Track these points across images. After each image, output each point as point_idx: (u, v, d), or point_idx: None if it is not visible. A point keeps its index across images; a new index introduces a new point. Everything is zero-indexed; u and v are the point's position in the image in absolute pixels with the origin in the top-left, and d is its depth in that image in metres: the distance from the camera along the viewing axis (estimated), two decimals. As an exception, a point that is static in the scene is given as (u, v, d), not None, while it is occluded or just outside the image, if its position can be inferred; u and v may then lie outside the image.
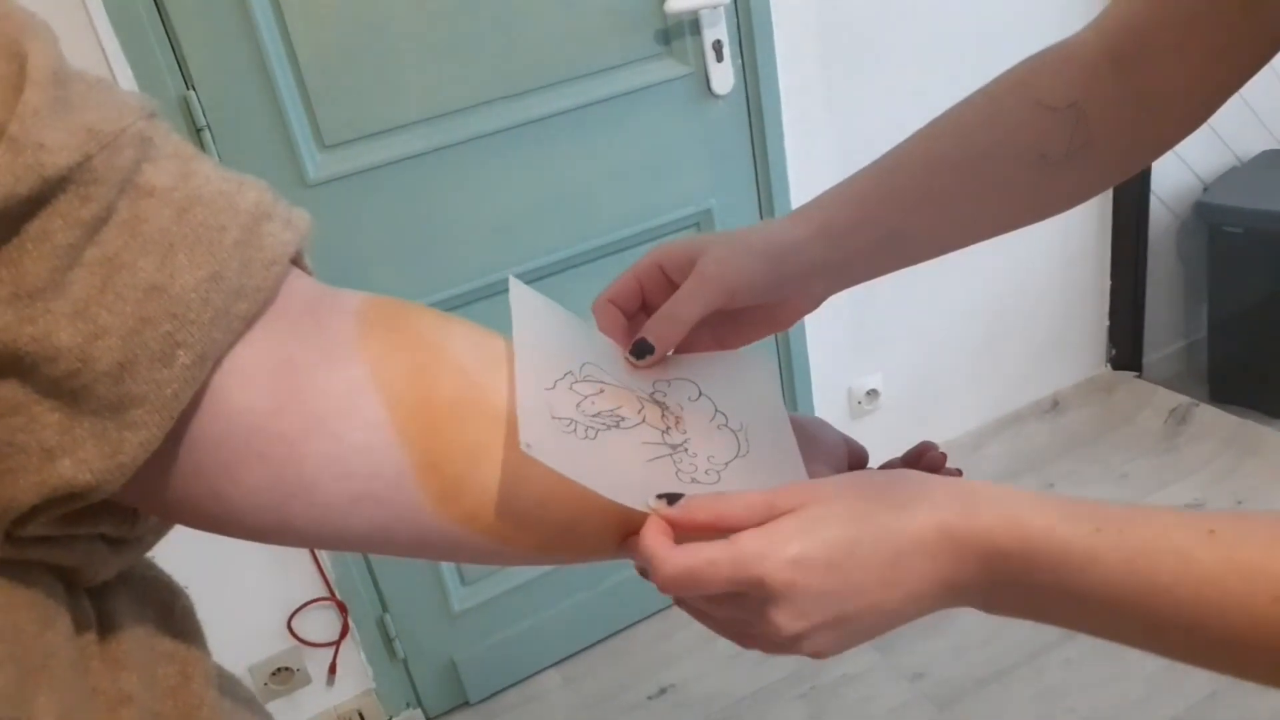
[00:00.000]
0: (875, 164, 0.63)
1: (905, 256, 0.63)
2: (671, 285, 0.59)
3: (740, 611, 0.46)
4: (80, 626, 0.39)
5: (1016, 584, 0.43)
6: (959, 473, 0.56)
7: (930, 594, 0.44)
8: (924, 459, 0.59)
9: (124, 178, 0.34)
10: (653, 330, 0.56)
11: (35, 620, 0.36)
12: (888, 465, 0.59)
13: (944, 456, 0.59)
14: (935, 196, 0.61)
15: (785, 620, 0.44)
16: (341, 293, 0.45)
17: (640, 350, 0.55)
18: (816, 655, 0.46)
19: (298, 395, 0.40)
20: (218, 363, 0.37)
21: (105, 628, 0.41)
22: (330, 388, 0.41)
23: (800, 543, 0.43)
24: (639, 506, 0.47)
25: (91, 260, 0.33)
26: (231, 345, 0.38)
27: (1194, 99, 0.60)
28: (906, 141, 0.64)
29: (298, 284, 0.41)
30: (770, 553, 0.43)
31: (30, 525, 0.35)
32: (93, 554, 0.39)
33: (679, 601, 0.49)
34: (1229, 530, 0.40)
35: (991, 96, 0.62)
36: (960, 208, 0.62)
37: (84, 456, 0.34)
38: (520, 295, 0.52)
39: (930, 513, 0.44)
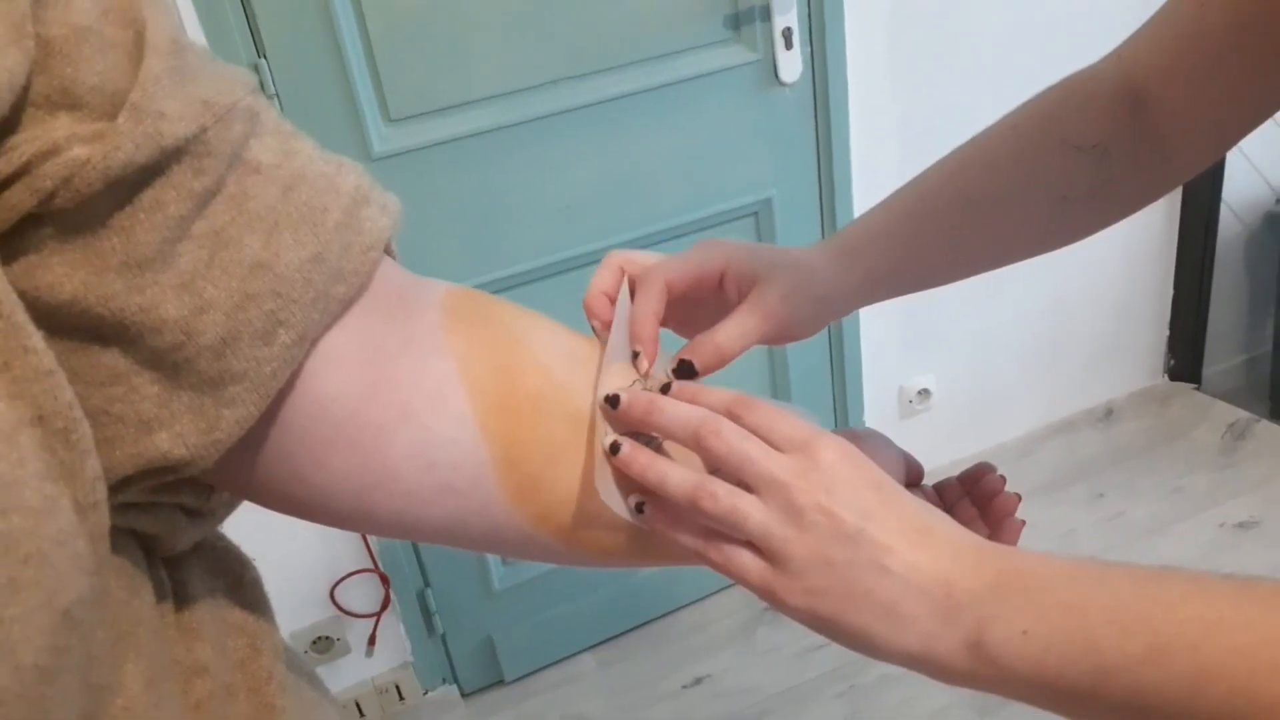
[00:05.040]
0: (911, 201, 0.63)
1: (912, 289, 0.64)
2: (721, 289, 0.59)
3: (775, 467, 0.43)
4: (159, 596, 0.39)
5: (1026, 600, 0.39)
6: (1018, 498, 0.55)
7: (925, 590, 0.40)
8: (982, 482, 0.56)
9: (233, 152, 0.34)
10: (698, 354, 0.54)
11: (123, 587, 0.36)
12: (942, 484, 0.58)
13: (1002, 480, 0.55)
14: (962, 239, 0.62)
15: (812, 490, 0.41)
16: (428, 282, 0.45)
17: (684, 372, 0.54)
18: (804, 577, 0.41)
19: (388, 384, 0.40)
20: (312, 345, 0.37)
21: (180, 598, 0.41)
22: (420, 379, 0.41)
23: (854, 450, 0.44)
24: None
25: (199, 233, 0.33)
26: (327, 328, 0.38)
27: (1209, 142, 0.60)
28: (938, 176, 0.63)
29: (389, 271, 0.41)
30: (826, 434, 0.44)
31: (122, 494, 0.34)
32: (173, 523, 0.40)
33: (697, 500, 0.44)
34: None
35: (1020, 133, 0.62)
36: (977, 245, 0.63)
37: (180, 430, 0.34)
38: (626, 292, 0.53)
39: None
